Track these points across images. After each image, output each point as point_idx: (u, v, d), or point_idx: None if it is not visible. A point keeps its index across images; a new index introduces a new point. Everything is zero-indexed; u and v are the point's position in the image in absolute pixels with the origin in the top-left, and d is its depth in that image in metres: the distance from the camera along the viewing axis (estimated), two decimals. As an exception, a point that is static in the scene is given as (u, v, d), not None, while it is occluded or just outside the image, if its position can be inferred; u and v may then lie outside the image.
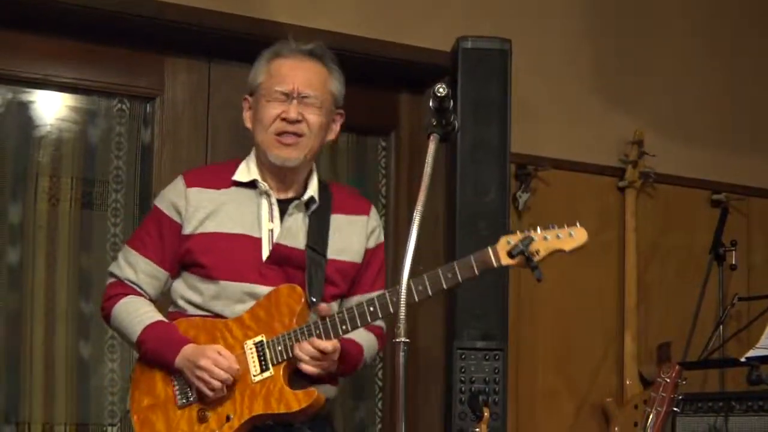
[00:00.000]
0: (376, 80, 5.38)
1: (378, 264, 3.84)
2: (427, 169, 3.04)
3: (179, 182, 3.74)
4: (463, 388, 4.86)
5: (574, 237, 3.39)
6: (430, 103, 3.10)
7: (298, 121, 3.65)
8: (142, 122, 5.06)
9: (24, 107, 4.89)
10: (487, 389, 4.85)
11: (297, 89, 3.66)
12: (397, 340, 2.88)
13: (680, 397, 4.21)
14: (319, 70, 3.74)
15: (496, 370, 4.89)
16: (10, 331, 4.78)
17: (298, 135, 3.66)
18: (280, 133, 3.66)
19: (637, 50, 5.88)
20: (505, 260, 3.39)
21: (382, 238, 3.86)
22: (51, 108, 4.93)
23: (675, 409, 4.18)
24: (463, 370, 4.88)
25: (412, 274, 2.97)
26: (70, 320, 4.86)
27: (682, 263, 5.91)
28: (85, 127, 4.98)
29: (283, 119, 3.65)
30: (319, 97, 3.69)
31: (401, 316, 2.89)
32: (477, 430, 4.33)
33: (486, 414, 4.34)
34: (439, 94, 3.07)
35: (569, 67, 5.68)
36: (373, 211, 3.86)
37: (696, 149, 5.97)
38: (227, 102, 4.97)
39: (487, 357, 4.88)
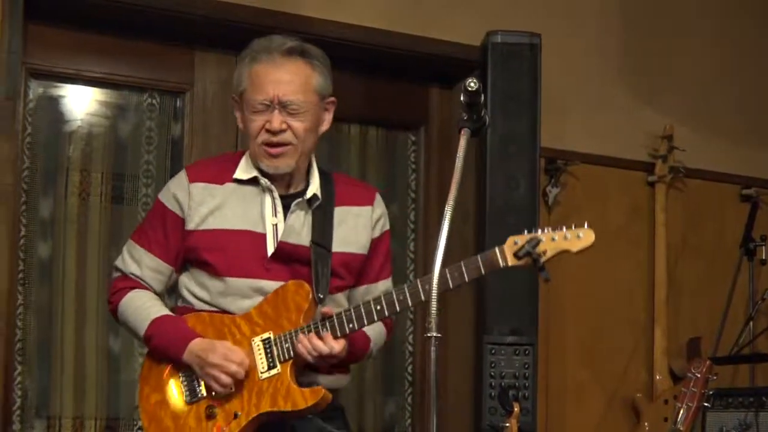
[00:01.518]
0: (406, 75, 5.38)
1: (384, 253, 3.78)
2: (458, 164, 3.02)
3: (182, 176, 3.69)
4: (493, 383, 4.86)
5: (582, 238, 3.33)
6: (462, 98, 3.08)
7: (282, 131, 3.56)
8: (172, 117, 5.07)
9: (55, 102, 4.90)
10: (517, 384, 4.85)
11: (277, 98, 3.55)
12: (429, 335, 2.87)
13: (710, 393, 4.20)
14: (298, 70, 3.60)
15: (526, 365, 4.89)
16: (40, 325, 4.80)
17: (285, 144, 3.57)
18: (267, 144, 3.58)
19: (667, 45, 5.85)
20: (512, 261, 3.34)
21: (387, 226, 3.78)
22: (81, 103, 4.95)
23: (705, 404, 4.18)
24: (493, 365, 4.88)
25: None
26: (101, 315, 4.86)
27: (712, 258, 5.88)
28: (115, 122, 5.00)
29: (268, 130, 3.57)
30: (301, 102, 3.57)
31: (433, 311, 2.88)
32: (507, 424, 4.31)
33: (516, 409, 4.33)
34: (470, 89, 3.04)
35: (599, 61, 5.67)
36: (378, 199, 3.77)
37: (726, 144, 5.94)
38: (257, 96, 4.97)
39: (516, 352, 4.88)
